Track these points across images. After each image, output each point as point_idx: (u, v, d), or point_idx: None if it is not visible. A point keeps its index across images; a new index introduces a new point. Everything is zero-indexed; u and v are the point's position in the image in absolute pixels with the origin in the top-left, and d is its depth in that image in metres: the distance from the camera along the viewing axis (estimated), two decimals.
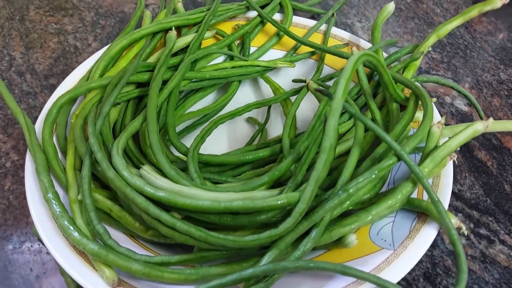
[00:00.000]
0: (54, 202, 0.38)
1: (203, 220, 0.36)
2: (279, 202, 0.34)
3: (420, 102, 0.43)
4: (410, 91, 0.46)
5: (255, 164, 0.44)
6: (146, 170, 0.38)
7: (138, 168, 0.42)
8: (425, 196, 0.41)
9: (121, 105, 0.47)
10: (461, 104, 0.55)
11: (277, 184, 0.41)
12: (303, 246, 0.34)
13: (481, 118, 0.50)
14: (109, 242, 0.35)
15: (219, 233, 0.34)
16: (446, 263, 0.42)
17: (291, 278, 0.35)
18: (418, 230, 0.38)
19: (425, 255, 0.43)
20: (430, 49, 0.51)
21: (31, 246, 0.43)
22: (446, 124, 0.54)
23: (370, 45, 0.54)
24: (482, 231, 0.44)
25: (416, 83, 0.44)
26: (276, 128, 0.52)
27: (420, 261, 0.42)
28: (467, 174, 0.49)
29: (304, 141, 0.41)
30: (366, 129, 0.43)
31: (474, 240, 0.44)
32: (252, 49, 0.56)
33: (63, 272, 0.41)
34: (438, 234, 0.42)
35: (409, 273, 0.41)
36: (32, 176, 0.40)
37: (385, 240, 0.38)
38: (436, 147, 0.39)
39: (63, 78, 0.57)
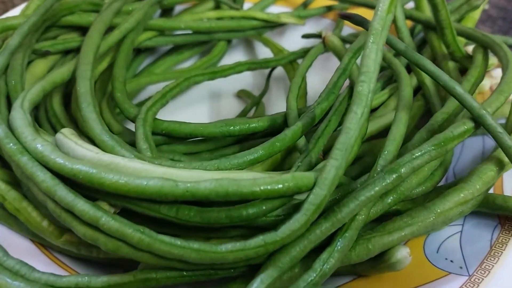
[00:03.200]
0: None
1: (152, 215, 0.21)
2: (280, 186, 0.20)
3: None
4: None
5: (245, 145, 0.29)
6: (64, 133, 0.23)
7: None
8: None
9: (55, 57, 0.32)
10: None
11: (278, 167, 0.27)
12: (321, 264, 0.20)
13: None
14: None
15: (176, 238, 0.19)
16: None
17: None
18: (505, 244, 0.23)
19: None
20: (487, 6, 0.37)
21: None
22: None
23: None
24: None
25: (484, 32, 0.30)
26: (277, 104, 0.37)
27: None
28: None
29: (322, 101, 0.26)
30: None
31: None
32: (246, 6, 0.42)
33: None
34: None
35: None
36: None
37: (451, 261, 0.24)
38: None
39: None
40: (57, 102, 0.28)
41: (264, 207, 0.20)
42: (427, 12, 0.36)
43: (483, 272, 0.23)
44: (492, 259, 0.23)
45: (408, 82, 0.27)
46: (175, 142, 0.28)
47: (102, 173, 0.20)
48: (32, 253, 0.24)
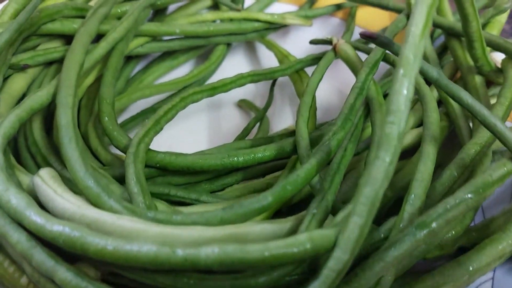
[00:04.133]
0: None
1: (144, 282, 0.18)
2: (295, 250, 0.17)
3: None
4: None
5: (250, 171, 0.26)
6: (42, 177, 0.20)
7: None
8: None
9: (36, 69, 0.29)
10: None
11: (287, 208, 0.24)
12: None
13: None
14: None
15: None
16: None
17: None
18: None
19: None
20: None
21: None
22: None
23: None
24: None
25: None
26: (282, 117, 0.34)
27: None
28: None
29: (338, 131, 0.23)
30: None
31: None
32: (248, 2, 0.38)
33: None
34: None
35: None
36: None
37: None
38: None
39: None
40: (37, 127, 0.25)
41: (275, 274, 0.17)
42: (449, 16, 0.33)
43: None
44: None
45: (434, 106, 0.24)
46: (170, 172, 0.25)
47: (86, 237, 0.17)
48: None
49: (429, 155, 0.22)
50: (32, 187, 0.21)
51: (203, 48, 0.36)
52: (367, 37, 0.21)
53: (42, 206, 0.19)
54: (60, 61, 0.30)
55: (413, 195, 0.20)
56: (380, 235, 0.20)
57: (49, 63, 0.30)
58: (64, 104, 0.21)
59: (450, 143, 0.28)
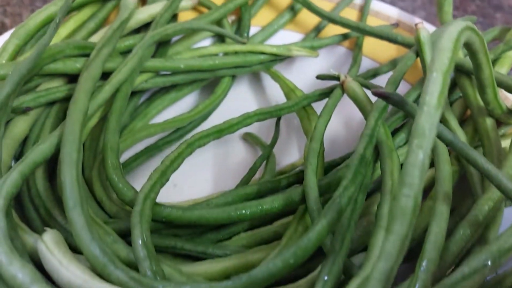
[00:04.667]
0: None
1: None
2: None
3: None
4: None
5: (257, 218, 0.26)
6: (47, 243, 0.19)
7: (47, 225, 0.24)
8: None
9: (37, 112, 0.28)
10: None
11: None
12: None
13: None
14: None
15: None
16: None
17: None
18: None
19: None
20: None
21: None
22: None
23: (430, 26, 0.36)
24: None
25: None
26: (289, 152, 0.34)
27: None
28: None
29: (348, 186, 0.22)
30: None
31: None
32: (253, 30, 0.38)
33: None
34: None
35: None
36: None
37: None
38: None
39: None
40: (40, 177, 0.25)
41: None
42: (459, 52, 0.32)
43: None
44: None
45: (446, 158, 0.24)
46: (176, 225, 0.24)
47: None
48: None
49: (442, 214, 0.21)
50: (35, 249, 0.20)
51: (208, 79, 0.35)
52: (379, 96, 0.20)
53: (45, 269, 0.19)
54: (62, 100, 0.29)
55: (426, 260, 0.19)
56: None
57: (48, 105, 0.29)
58: (68, 162, 0.21)
59: (461, 183, 0.28)
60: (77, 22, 0.33)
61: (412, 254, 0.23)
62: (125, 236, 0.23)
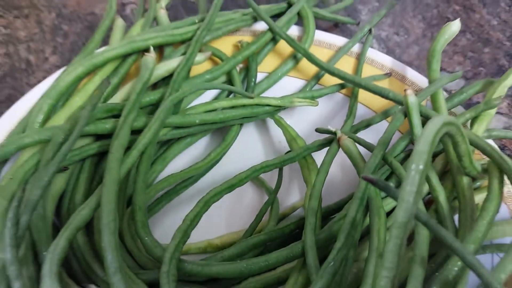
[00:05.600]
0: None
1: None
2: None
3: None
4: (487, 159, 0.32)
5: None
6: None
7: (88, 277, 0.28)
8: None
9: (71, 168, 0.32)
10: None
11: None
12: None
13: None
14: None
15: None
16: None
17: None
18: None
19: None
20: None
21: None
22: None
23: (420, 77, 0.40)
24: None
25: (501, 153, 0.30)
26: (291, 193, 0.38)
27: None
28: None
29: (341, 249, 0.27)
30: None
31: None
32: (259, 76, 0.41)
33: None
34: None
35: None
36: None
37: None
38: None
39: (8, 107, 0.43)
40: (80, 234, 0.29)
41: None
42: (443, 109, 0.36)
43: None
44: None
45: (424, 234, 0.28)
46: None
47: None
48: None
49: (418, 276, 0.25)
50: None
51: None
52: (368, 181, 0.24)
53: None
54: (93, 156, 0.33)
55: None
56: None
57: (81, 161, 0.33)
58: (107, 232, 0.25)
59: None
60: (102, 77, 0.37)
61: None
62: (153, 286, 0.28)
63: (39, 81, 0.46)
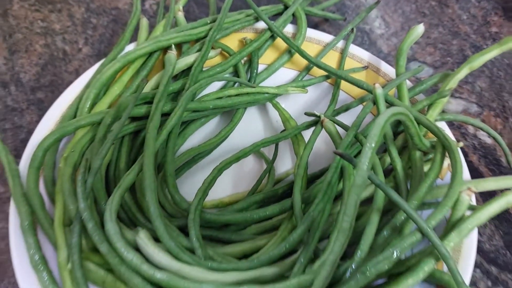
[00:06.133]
0: (41, 268, 0.34)
1: None
2: None
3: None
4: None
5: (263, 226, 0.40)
6: (143, 239, 0.34)
7: (134, 224, 0.38)
8: (445, 266, 0.37)
9: (115, 142, 0.42)
10: (484, 136, 0.51)
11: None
12: None
13: (509, 164, 0.45)
14: None
15: None
16: None
17: None
18: None
19: None
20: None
21: None
22: (468, 161, 0.50)
23: (392, 70, 0.49)
24: None
25: (445, 132, 0.40)
26: (285, 163, 0.48)
27: None
28: (487, 223, 0.45)
29: (318, 202, 0.37)
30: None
31: None
32: (260, 67, 0.50)
33: None
34: None
35: None
36: (17, 233, 0.36)
37: None
38: (463, 218, 0.35)
39: (52, 91, 0.52)
40: (127, 193, 0.39)
41: None
42: (405, 98, 0.45)
43: None
44: None
45: (382, 193, 0.37)
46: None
47: (176, 281, 0.31)
48: None
49: (373, 222, 0.35)
50: (134, 240, 0.35)
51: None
52: (338, 155, 0.34)
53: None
54: (130, 134, 0.43)
55: (359, 252, 0.34)
56: (339, 273, 0.34)
57: (121, 137, 0.43)
58: (149, 190, 0.35)
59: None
60: (134, 70, 0.46)
61: (353, 246, 0.37)
62: (182, 229, 0.38)
63: (75, 69, 0.55)
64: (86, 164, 0.36)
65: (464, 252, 0.38)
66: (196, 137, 0.48)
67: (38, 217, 0.37)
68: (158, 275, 0.31)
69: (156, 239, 0.35)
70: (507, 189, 0.37)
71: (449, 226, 0.36)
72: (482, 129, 0.44)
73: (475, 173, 0.48)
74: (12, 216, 0.37)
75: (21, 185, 0.38)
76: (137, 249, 0.34)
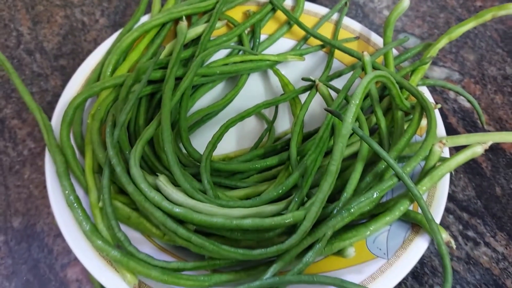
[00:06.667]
0: (76, 206, 0.40)
1: (216, 234, 0.39)
2: (286, 221, 0.37)
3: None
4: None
5: (264, 176, 0.46)
6: (163, 182, 0.40)
7: (153, 172, 0.44)
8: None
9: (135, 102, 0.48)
10: (464, 101, 0.57)
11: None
12: (306, 258, 0.38)
13: (482, 125, 0.51)
14: (130, 249, 0.39)
15: (230, 246, 0.37)
16: (433, 263, 0.46)
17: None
18: (411, 241, 0.42)
19: None
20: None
21: (55, 235, 0.46)
22: (448, 123, 0.56)
23: (381, 40, 0.54)
24: (470, 233, 0.48)
25: (423, 94, 0.45)
26: (283, 123, 0.53)
27: None
28: (461, 175, 0.52)
29: (311, 154, 0.43)
30: None
31: (461, 241, 0.48)
32: (262, 37, 0.56)
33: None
34: None
35: None
36: (53, 178, 0.42)
37: (380, 249, 0.42)
38: (434, 167, 0.41)
39: (73, 58, 0.58)
40: (146, 145, 0.45)
41: (276, 231, 0.38)
42: (391, 65, 0.51)
43: (396, 258, 0.41)
44: (403, 250, 0.42)
45: (367, 147, 0.43)
46: (220, 171, 0.45)
47: (192, 214, 0.37)
48: (144, 243, 0.42)
49: (358, 169, 0.41)
50: (154, 183, 0.41)
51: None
52: (328, 111, 0.40)
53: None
54: (147, 95, 0.49)
55: (346, 193, 0.40)
56: (329, 211, 0.40)
57: (139, 98, 0.49)
58: (167, 141, 0.41)
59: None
60: (149, 38, 0.51)
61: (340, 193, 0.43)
62: (194, 175, 0.44)
63: (94, 39, 0.60)
64: (113, 119, 0.42)
65: (437, 197, 0.44)
66: (204, 100, 0.54)
67: (71, 165, 0.43)
68: (177, 210, 0.38)
69: (173, 184, 0.41)
70: None
71: (423, 174, 0.42)
72: (458, 92, 0.50)
73: (454, 133, 0.54)
74: (48, 164, 0.43)
75: (55, 139, 0.44)
76: (157, 190, 0.40)
